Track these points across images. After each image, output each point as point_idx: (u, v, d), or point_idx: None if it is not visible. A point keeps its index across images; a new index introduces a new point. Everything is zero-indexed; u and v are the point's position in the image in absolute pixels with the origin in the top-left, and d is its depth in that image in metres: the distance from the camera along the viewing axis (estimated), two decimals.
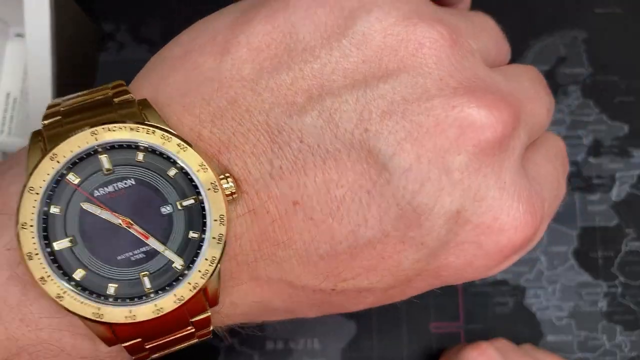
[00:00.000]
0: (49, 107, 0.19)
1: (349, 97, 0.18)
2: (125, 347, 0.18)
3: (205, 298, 0.18)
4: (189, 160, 0.17)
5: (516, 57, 0.39)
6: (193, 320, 0.18)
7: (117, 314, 0.17)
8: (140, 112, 0.18)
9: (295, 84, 0.18)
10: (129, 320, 0.17)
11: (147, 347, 0.18)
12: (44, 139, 0.17)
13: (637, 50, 0.40)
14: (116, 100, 0.18)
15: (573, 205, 0.38)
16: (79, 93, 0.19)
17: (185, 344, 0.19)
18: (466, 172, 0.18)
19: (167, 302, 0.17)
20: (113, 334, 0.18)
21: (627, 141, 0.39)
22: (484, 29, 0.21)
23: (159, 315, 0.17)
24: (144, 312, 0.17)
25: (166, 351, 0.19)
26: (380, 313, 0.37)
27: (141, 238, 0.17)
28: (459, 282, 0.21)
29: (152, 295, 0.17)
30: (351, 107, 0.18)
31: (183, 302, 0.17)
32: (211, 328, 0.19)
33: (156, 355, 0.19)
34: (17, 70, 0.37)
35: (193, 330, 0.19)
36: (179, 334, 0.19)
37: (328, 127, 0.18)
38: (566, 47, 0.40)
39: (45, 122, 0.18)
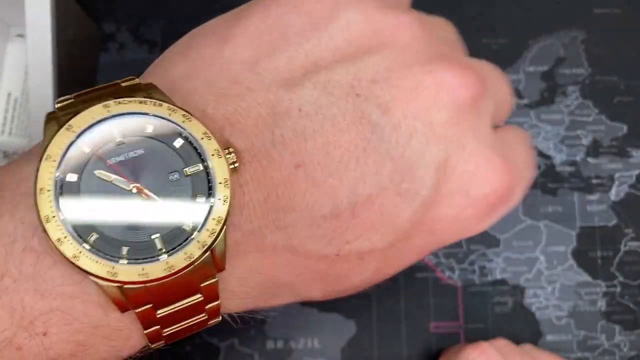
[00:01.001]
0: (62, 100, 0.20)
1: (339, 69, 0.20)
2: (137, 313, 0.19)
3: (213, 262, 0.19)
4: (194, 129, 0.19)
5: (516, 57, 0.40)
6: (202, 285, 0.19)
7: (130, 272, 0.18)
8: (147, 92, 0.19)
9: (291, 63, 0.20)
10: (142, 278, 0.18)
11: (159, 316, 0.19)
12: (58, 117, 0.19)
13: (636, 50, 0.40)
14: (124, 84, 0.20)
15: (572, 205, 0.38)
16: (91, 88, 0.20)
17: (195, 320, 0.20)
18: (447, 125, 0.21)
19: (178, 260, 0.18)
20: (125, 297, 0.18)
21: (626, 141, 0.39)
22: (435, 22, 0.24)
23: (170, 272, 0.18)
24: (155, 270, 0.18)
25: (178, 329, 0.20)
26: (380, 313, 0.37)
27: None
28: (453, 239, 0.22)
29: (164, 255, 0.18)
30: (342, 77, 0.20)
31: (193, 259, 0.18)
32: (219, 301, 0.20)
33: (168, 331, 0.20)
34: (18, 71, 0.37)
35: (202, 298, 0.19)
36: (189, 302, 0.19)
37: (323, 96, 0.20)
38: (565, 48, 0.40)
39: (59, 105, 0.19)
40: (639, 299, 0.37)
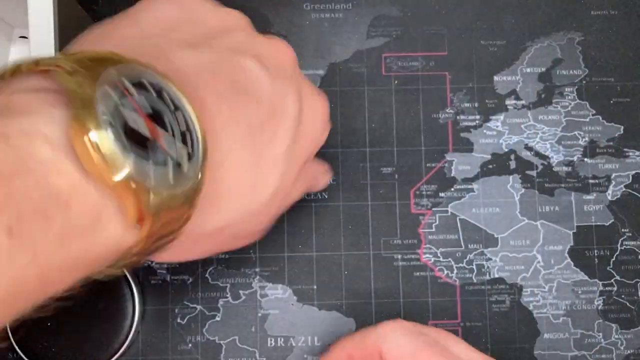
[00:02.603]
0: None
1: (219, 38, 0.29)
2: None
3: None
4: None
5: (513, 58, 0.40)
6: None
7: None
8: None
9: (191, 34, 0.28)
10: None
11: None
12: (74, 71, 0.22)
13: (632, 51, 0.40)
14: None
15: (569, 204, 0.38)
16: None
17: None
18: (293, 74, 0.31)
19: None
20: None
21: (622, 142, 0.39)
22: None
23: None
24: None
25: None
26: (379, 311, 0.37)
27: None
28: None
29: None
30: (224, 42, 0.29)
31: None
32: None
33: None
34: None
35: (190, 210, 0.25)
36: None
37: (215, 53, 0.28)
38: (562, 49, 0.40)
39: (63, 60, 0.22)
40: (636, 297, 0.38)
